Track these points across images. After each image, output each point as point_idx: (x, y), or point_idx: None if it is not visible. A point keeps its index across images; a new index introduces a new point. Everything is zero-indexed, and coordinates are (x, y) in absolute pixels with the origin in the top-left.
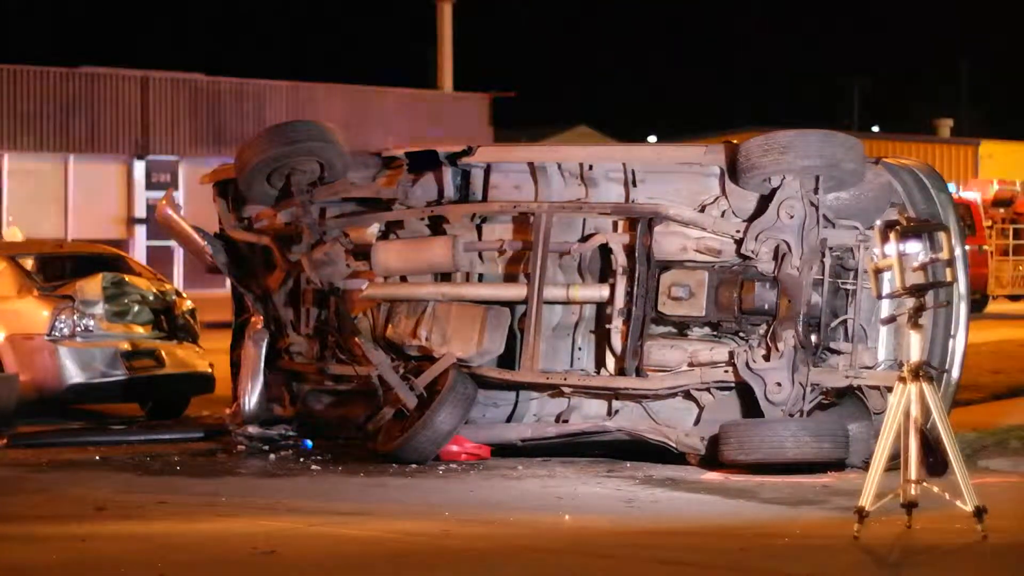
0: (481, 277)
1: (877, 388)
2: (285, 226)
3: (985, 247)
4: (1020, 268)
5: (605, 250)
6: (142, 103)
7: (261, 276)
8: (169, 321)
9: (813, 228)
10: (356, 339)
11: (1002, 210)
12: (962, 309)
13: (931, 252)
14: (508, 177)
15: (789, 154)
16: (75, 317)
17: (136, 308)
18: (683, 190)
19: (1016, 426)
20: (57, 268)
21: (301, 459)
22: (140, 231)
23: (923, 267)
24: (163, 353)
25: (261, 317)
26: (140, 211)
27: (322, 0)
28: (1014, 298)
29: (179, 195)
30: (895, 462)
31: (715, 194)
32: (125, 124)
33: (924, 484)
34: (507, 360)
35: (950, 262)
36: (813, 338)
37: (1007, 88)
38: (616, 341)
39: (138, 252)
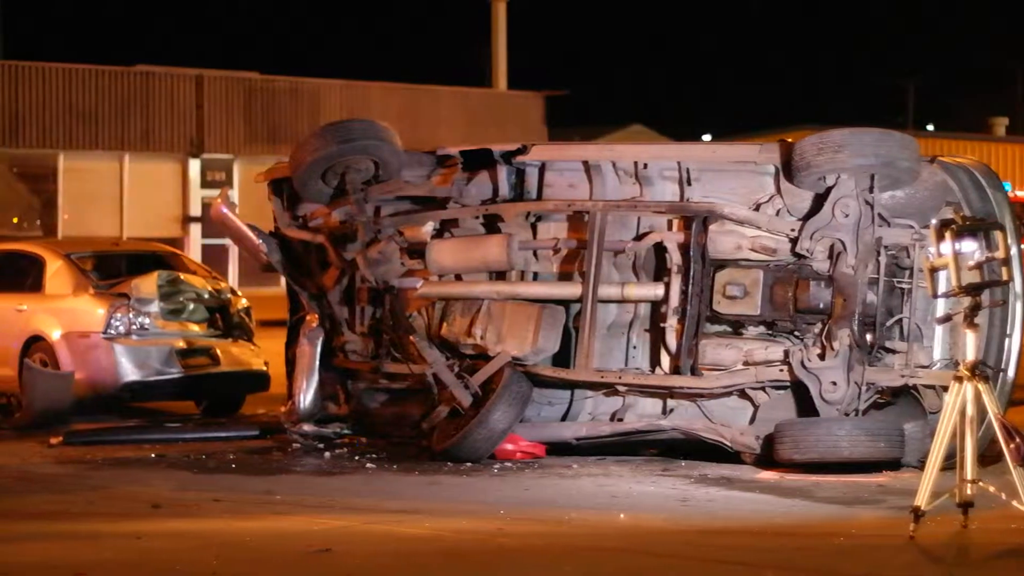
0: (536, 276)
1: (932, 387)
2: (340, 224)
3: None
4: None
5: (660, 249)
6: (197, 102)
7: (316, 274)
8: (224, 319)
9: (868, 227)
10: (411, 337)
11: None
12: (1018, 308)
13: (987, 251)
14: (563, 176)
15: (844, 152)
16: (131, 315)
17: (191, 306)
18: (738, 189)
19: None
20: (112, 266)
21: (356, 457)
22: (195, 229)
23: (979, 266)
24: (218, 351)
25: (316, 315)
26: (195, 209)
27: None
28: None
29: (234, 193)
30: (951, 461)
31: (770, 192)
32: (180, 123)
33: (980, 484)
34: (562, 358)
35: (1006, 261)
36: (868, 337)
37: None
38: (671, 340)
39: (193, 250)
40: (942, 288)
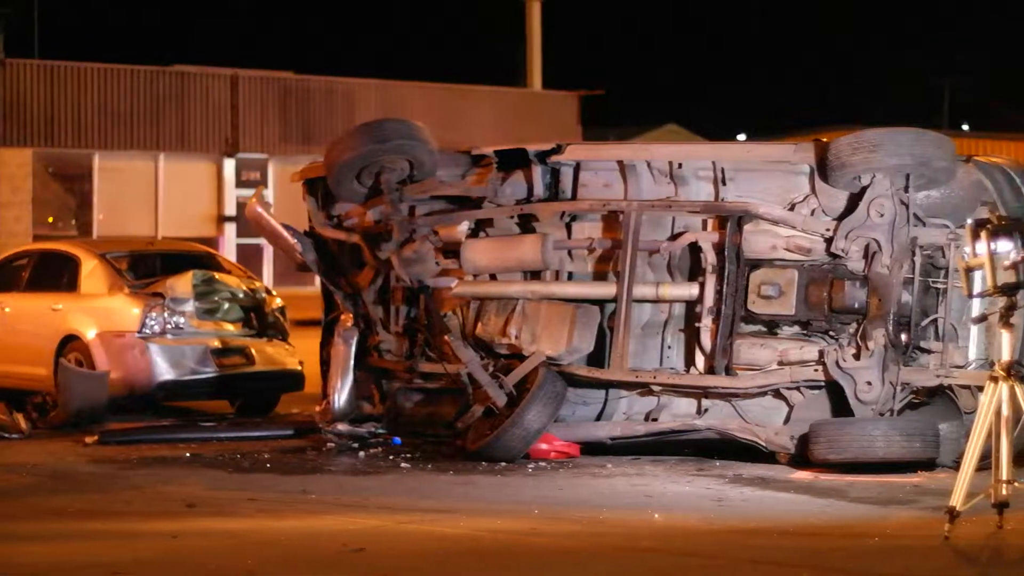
0: (571, 275)
1: (968, 387)
2: (375, 224)
3: None
4: None
5: (695, 248)
6: (232, 101)
7: (351, 274)
8: (259, 319)
9: (903, 226)
10: (445, 337)
11: None
12: None
13: (1022, 251)
14: (597, 175)
15: (879, 152)
16: (166, 315)
17: (226, 306)
18: (773, 188)
19: None
20: (148, 266)
21: (390, 457)
22: (230, 229)
23: (1014, 266)
24: (253, 351)
25: (351, 315)
26: (230, 209)
27: None
28: None
29: (269, 193)
30: (986, 462)
31: (805, 192)
32: (215, 122)
33: (1016, 484)
34: (597, 358)
35: None
36: (903, 337)
37: None
38: (706, 340)
39: (228, 250)
40: (977, 288)
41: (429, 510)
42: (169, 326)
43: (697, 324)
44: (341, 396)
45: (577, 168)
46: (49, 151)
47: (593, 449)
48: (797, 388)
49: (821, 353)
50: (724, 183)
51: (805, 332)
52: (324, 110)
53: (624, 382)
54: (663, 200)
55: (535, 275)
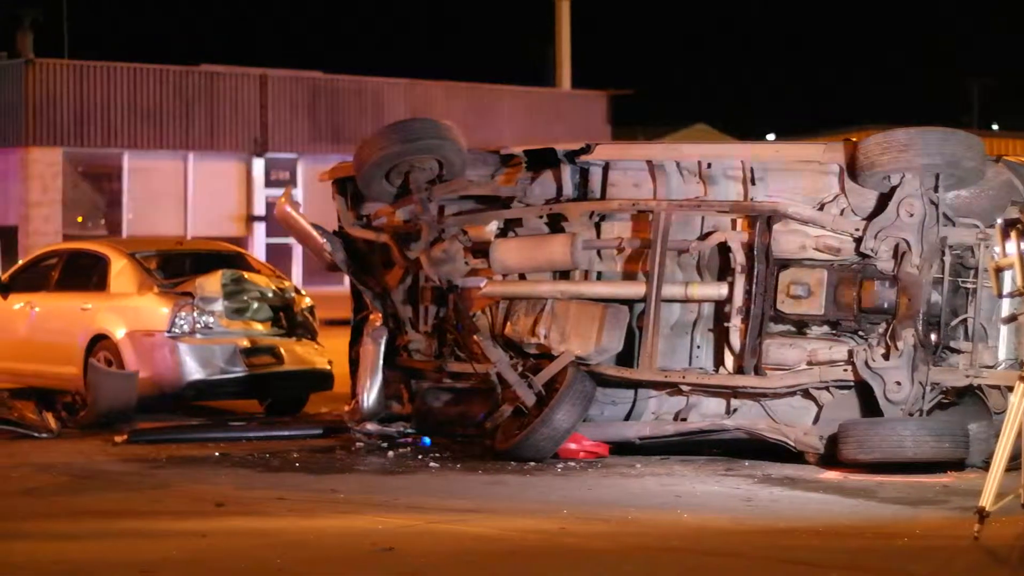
0: (600, 275)
1: (997, 387)
2: (404, 224)
3: None
4: None
5: (724, 248)
6: (261, 101)
7: (380, 274)
8: (288, 318)
9: (933, 226)
10: (475, 337)
11: None
12: None
13: None
14: (627, 175)
15: (909, 152)
16: (195, 314)
17: (255, 305)
18: (802, 188)
19: None
20: (177, 265)
21: (419, 456)
22: (259, 228)
23: None
24: (282, 350)
25: (380, 314)
26: (259, 208)
27: None
28: None
29: (298, 193)
30: (1016, 462)
31: (834, 192)
32: (244, 122)
33: None
34: (626, 358)
35: None
36: (933, 337)
37: None
38: (735, 339)
39: (257, 249)
40: (1007, 288)
41: (458, 510)
42: (198, 325)
43: (726, 324)
44: (370, 395)
45: (606, 168)
46: (79, 151)
47: (622, 449)
48: (826, 388)
49: (850, 353)
50: (753, 183)
51: (834, 332)
52: (353, 109)
53: (653, 382)
54: (692, 200)
55: (564, 275)
